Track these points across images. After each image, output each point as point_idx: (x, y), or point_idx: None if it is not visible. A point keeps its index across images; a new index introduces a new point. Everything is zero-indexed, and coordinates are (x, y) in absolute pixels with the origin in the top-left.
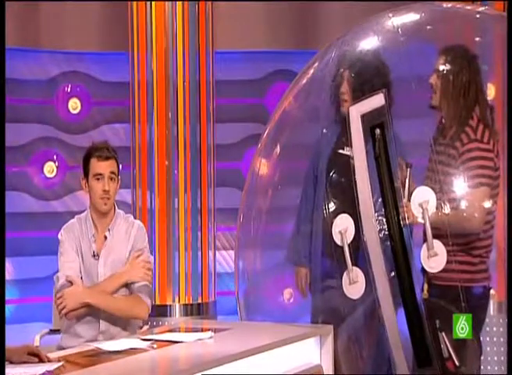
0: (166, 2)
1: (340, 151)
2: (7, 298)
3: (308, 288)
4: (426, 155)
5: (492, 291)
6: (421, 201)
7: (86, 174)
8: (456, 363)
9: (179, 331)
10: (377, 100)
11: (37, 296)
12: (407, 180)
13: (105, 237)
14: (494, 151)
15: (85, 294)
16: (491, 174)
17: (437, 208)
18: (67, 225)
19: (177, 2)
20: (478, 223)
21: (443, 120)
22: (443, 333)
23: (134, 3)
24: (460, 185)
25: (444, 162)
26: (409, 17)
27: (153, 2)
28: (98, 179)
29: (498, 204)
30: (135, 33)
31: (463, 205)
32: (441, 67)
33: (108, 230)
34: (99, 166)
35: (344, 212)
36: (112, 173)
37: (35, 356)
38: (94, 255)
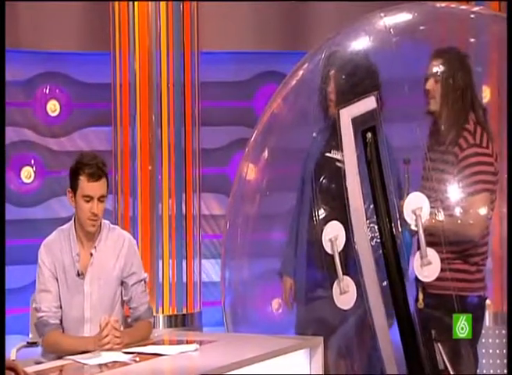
0: (149, 1)
1: (328, 154)
2: None
3: (293, 300)
4: (419, 160)
5: (488, 302)
6: (415, 208)
7: (73, 188)
8: None
9: (163, 344)
10: (368, 103)
11: (14, 307)
12: (405, 177)
13: (91, 254)
14: (493, 156)
15: (126, 336)
16: (491, 179)
17: (432, 215)
18: (47, 241)
19: (161, 1)
20: (480, 230)
21: (440, 126)
22: (439, 345)
23: (116, 2)
24: (460, 192)
25: (440, 169)
26: (401, 17)
27: (135, 1)
28: (88, 201)
29: (494, 210)
30: (117, 33)
31: (464, 212)
32: (437, 71)
33: (95, 247)
34: (89, 187)
35: (335, 220)
36: (102, 196)
37: (12, 370)
38: (79, 274)
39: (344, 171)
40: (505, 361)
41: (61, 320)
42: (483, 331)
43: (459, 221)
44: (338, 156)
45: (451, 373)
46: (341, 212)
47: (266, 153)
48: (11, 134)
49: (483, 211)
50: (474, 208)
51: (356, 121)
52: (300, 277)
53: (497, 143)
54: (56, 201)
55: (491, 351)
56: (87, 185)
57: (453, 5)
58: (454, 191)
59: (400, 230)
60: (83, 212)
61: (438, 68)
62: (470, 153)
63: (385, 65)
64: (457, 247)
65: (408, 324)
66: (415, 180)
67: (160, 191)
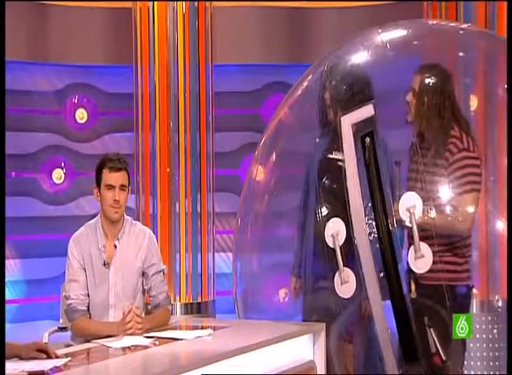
0: (168, 17)
1: (329, 155)
2: (17, 297)
3: (297, 293)
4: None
5: (474, 291)
6: (409, 206)
7: (98, 183)
8: (443, 358)
9: (180, 329)
10: (367, 110)
11: (46, 295)
12: (397, 177)
13: (115, 246)
14: (479, 159)
15: (146, 322)
16: (478, 180)
17: (424, 212)
18: (76, 235)
19: (178, 18)
20: (468, 225)
21: (424, 135)
22: (431, 330)
23: (138, 18)
24: (451, 191)
25: (431, 172)
26: (396, 33)
27: (155, 18)
28: (109, 189)
29: (480, 208)
30: (138, 47)
31: (454, 209)
32: (417, 87)
33: (118, 239)
34: (111, 177)
35: (336, 216)
36: (123, 185)
37: (43, 352)
38: (105, 264)
39: (345, 172)
40: (490, 345)
41: (88, 307)
42: None
43: (449, 218)
44: (339, 156)
45: (442, 355)
46: (342, 210)
47: (274, 156)
48: (43, 140)
49: (471, 208)
50: (463, 206)
51: (355, 127)
52: (307, 269)
53: (483, 148)
54: (84, 200)
55: (478, 335)
56: (108, 175)
57: (443, 23)
58: (445, 191)
59: (395, 226)
60: (106, 201)
61: (420, 83)
62: (460, 157)
63: (382, 76)
64: (447, 240)
65: (403, 312)
66: (406, 180)
67: (177, 191)
